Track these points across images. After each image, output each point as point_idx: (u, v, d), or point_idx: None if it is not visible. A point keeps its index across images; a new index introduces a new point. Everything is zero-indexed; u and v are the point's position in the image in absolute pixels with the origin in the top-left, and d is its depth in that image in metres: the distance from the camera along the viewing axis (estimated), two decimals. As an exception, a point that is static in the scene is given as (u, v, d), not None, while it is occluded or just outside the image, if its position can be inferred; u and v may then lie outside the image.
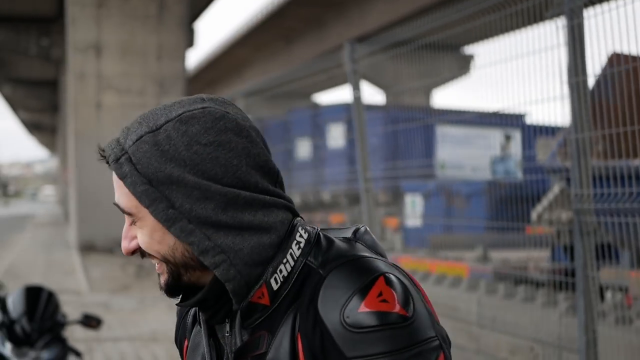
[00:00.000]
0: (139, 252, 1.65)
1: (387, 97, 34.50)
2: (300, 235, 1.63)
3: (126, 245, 1.64)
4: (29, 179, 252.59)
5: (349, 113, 19.40)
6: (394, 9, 30.88)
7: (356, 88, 6.20)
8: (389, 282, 1.50)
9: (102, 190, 23.47)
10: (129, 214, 1.62)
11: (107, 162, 1.64)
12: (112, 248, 23.27)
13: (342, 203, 20.52)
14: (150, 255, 1.63)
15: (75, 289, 15.96)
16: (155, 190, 1.56)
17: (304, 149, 21.04)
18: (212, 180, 1.56)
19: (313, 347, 1.50)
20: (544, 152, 7.96)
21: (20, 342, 5.37)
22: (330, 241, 1.64)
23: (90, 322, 5.90)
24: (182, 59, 24.65)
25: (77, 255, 23.28)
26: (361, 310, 1.45)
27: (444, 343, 1.54)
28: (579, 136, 4.51)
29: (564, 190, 9.46)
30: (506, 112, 8.34)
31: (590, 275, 4.44)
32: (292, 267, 1.59)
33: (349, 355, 1.45)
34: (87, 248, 24.07)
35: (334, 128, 20.27)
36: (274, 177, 1.65)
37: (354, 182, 20.26)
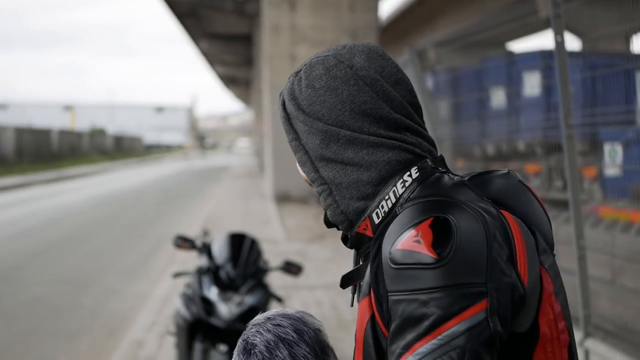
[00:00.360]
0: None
1: (583, 43, 33.40)
2: (409, 175, 1.73)
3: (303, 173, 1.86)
4: (224, 131, 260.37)
5: (545, 60, 18.95)
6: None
7: (558, 33, 5.99)
8: (435, 223, 1.55)
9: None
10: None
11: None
12: (305, 198, 23.70)
13: (538, 152, 20.13)
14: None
15: (272, 237, 16.34)
16: (289, 122, 1.84)
17: (498, 97, 20.66)
18: (317, 119, 1.78)
19: (372, 277, 1.62)
20: None
21: (225, 286, 5.53)
22: (436, 182, 1.72)
23: (291, 268, 6.01)
24: (375, 9, 24.56)
25: (273, 205, 23.83)
26: (398, 248, 1.54)
27: (498, 292, 1.53)
28: None
29: None
30: None
31: None
32: (394, 204, 1.71)
33: (389, 289, 1.55)
34: (283, 198, 24.59)
35: (529, 76, 19.80)
36: (392, 123, 1.76)
37: (550, 130, 19.87)
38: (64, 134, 65.51)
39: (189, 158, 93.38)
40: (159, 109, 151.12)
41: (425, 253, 1.51)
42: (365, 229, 1.74)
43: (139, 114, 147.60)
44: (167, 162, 78.79)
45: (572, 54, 19.20)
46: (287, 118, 1.83)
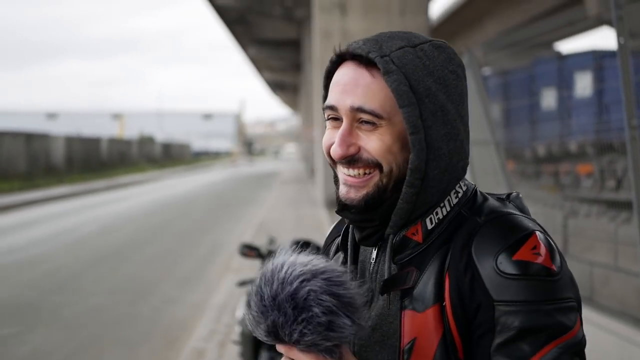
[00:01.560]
0: (353, 157, 1.69)
1: (633, 43, 33.03)
2: (460, 187, 1.74)
3: (344, 150, 1.68)
4: (272, 137, 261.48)
5: (596, 61, 18.86)
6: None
7: (621, 35, 5.95)
8: (541, 238, 1.59)
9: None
10: (377, 117, 1.66)
11: (362, 56, 1.68)
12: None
13: (590, 153, 19.97)
14: (365, 165, 1.69)
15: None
16: (414, 95, 1.63)
17: (549, 99, 20.53)
18: (453, 105, 1.68)
19: (462, 286, 1.59)
20: None
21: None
22: (485, 197, 1.76)
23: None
24: (425, 12, 24.48)
25: (325, 211, 23.86)
26: (515, 258, 1.54)
27: (579, 307, 1.63)
28: None
29: None
30: None
31: None
32: (448, 212, 1.70)
33: (496, 299, 1.54)
34: (334, 204, 24.56)
35: (580, 77, 19.66)
36: (468, 130, 1.77)
37: (603, 132, 19.69)
38: (113, 142, 66.14)
39: (237, 165, 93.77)
40: (207, 116, 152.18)
41: (546, 265, 1.55)
42: (414, 234, 1.70)
43: (187, 120, 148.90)
44: (215, 169, 79.17)
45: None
46: (410, 88, 1.63)
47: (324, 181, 25.62)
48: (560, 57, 22.23)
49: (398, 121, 1.65)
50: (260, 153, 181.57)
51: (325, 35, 24.05)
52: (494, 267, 1.55)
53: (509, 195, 1.80)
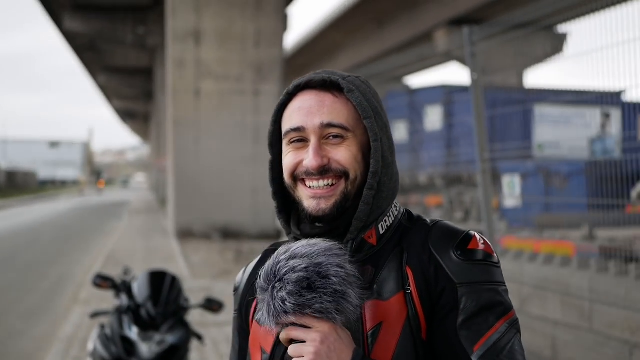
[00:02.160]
0: (323, 168, 1.93)
1: (480, 77, 34.12)
2: (395, 204, 2.05)
3: (319, 161, 1.92)
4: (121, 165, 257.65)
5: (445, 95, 19.34)
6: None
7: (475, 70, 6.11)
8: (480, 235, 1.96)
9: (200, 176, 23.75)
10: (344, 130, 1.93)
11: (325, 81, 1.97)
12: (208, 234, 23.50)
13: (439, 185, 20.44)
14: (334, 175, 1.94)
15: (177, 275, 16.08)
16: (370, 110, 1.95)
17: (400, 131, 20.92)
18: (388, 126, 2.01)
19: (427, 275, 1.89)
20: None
21: (146, 325, 5.42)
22: (413, 214, 2.08)
23: (213, 305, 5.94)
24: (280, 44, 24.68)
25: (176, 242, 23.56)
26: (470, 248, 1.90)
27: None
28: None
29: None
30: (604, 90, 8.19)
31: None
32: (393, 222, 2.01)
33: (458, 282, 1.87)
34: (185, 234, 24.34)
35: (431, 110, 20.13)
36: None
37: (452, 164, 20.21)
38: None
39: (85, 194, 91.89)
40: (54, 144, 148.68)
41: (493, 254, 1.93)
42: (370, 237, 1.97)
43: (33, 148, 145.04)
44: (62, 198, 77.33)
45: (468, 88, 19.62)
46: (370, 106, 1.95)
47: (175, 210, 25.33)
48: (411, 91, 22.73)
49: (359, 134, 1.95)
50: (109, 182, 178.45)
51: (178, 64, 23.90)
52: (454, 256, 1.89)
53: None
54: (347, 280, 1.79)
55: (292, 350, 1.81)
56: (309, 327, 1.79)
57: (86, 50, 43.82)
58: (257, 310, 1.88)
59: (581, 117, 12.76)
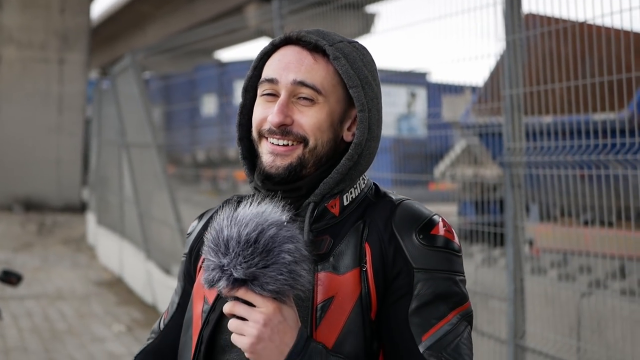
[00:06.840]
0: (285, 128, 1.88)
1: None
2: (363, 176, 1.98)
3: (281, 118, 1.87)
4: None
5: (254, 70, 19.37)
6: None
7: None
8: (446, 221, 1.91)
9: (0, 146, 22.93)
10: (316, 92, 1.88)
11: (310, 42, 1.90)
12: (10, 205, 22.77)
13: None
14: (294, 139, 1.88)
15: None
16: (357, 78, 1.89)
17: (209, 105, 20.90)
18: (380, 97, 1.95)
19: (385, 255, 1.84)
20: (450, 109, 8.14)
21: None
22: (380, 188, 2.01)
23: (10, 278, 5.65)
24: (87, 12, 24.04)
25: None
26: (433, 233, 1.85)
27: None
28: (513, 92, 4.78)
29: (469, 147, 9.66)
30: (411, 70, 8.49)
31: (519, 225, 4.71)
32: (358, 194, 1.95)
33: (415, 267, 1.82)
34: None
35: (239, 85, 20.18)
36: None
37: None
38: None
39: None
40: None
41: (456, 242, 1.89)
42: (333, 207, 1.91)
43: None
44: None
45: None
46: (356, 73, 1.90)
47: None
48: (220, 64, 22.69)
49: (333, 101, 1.89)
50: None
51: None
52: (415, 240, 1.84)
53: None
54: (300, 257, 1.71)
55: (232, 325, 1.74)
56: (253, 305, 1.71)
57: None
58: (205, 269, 1.75)
59: (388, 95, 13.15)
